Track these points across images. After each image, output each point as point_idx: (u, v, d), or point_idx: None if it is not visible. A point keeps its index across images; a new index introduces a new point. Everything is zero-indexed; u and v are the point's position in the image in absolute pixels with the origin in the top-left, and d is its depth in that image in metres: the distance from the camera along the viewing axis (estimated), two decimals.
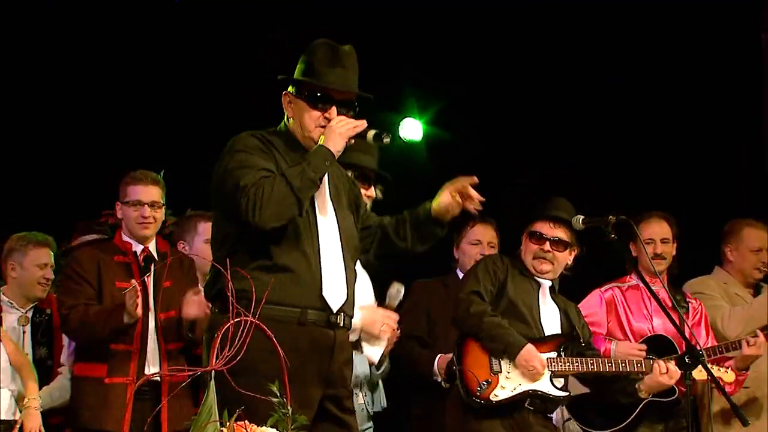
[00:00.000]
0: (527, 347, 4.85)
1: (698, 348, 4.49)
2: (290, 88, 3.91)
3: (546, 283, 5.10)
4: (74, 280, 4.93)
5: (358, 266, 4.12)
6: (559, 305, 5.13)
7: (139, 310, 4.69)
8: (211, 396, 2.78)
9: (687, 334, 4.70)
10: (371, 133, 3.87)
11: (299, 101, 3.88)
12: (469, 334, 4.95)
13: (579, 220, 4.90)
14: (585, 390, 5.32)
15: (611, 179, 7.19)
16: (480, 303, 4.93)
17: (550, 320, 5.07)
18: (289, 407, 2.85)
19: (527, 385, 4.87)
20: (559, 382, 4.96)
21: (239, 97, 6.98)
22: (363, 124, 3.84)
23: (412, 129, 7.77)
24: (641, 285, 5.55)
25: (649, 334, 5.55)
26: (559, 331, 5.06)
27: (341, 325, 3.83)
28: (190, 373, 2.89)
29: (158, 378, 4.84)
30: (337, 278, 3.82)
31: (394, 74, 7.17)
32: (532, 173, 7.31)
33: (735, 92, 6.86)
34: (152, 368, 4.87)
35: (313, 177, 3.70)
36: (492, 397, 4.82)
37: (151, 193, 5.06)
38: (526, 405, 4.88)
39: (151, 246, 5.08)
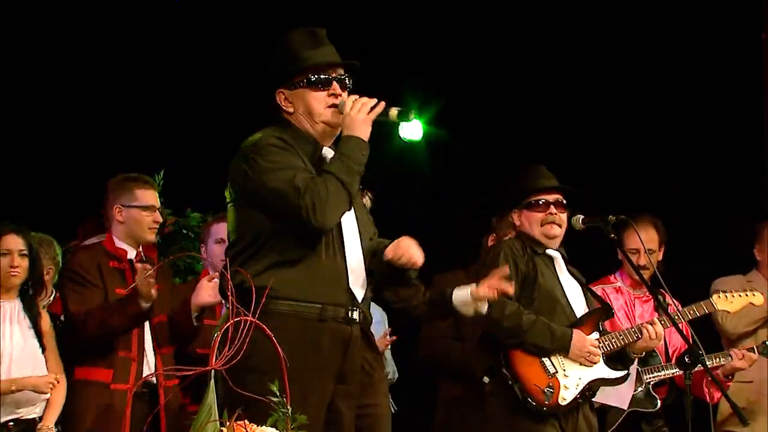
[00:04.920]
0: (576, 334, 4.70)
1: (699, 349, 4.49)
2: (281, 85, 3.86)
3: (557, 256, 4.94)
4: (82, 285, 4.86)
5: None
6: (574, 276, 4.99)
7: (154, 292, 4.64)
8: (211, 395, 2.78)
9: (687, 335, 4.72)
10: (394, 111, 3.78)
11: (298, 90, 3.84)
12: (508, 337, 4.71)
13: (579, 219, 4.89)
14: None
15: (611, 178, 7.19)
16: (511, 302, 4.69)
17: (575, 296, 4.92)
18: (288, 407, 2.84)
19: (587, 376, 4.72)
20: (612, 361, 4.82)
21: (239, 97, 6.97)
22: (381, 104, 3.78)
23: (411, 129, 7.78)
24: (624, 288, 5.72)
25: None
26: (585, 305, 4.92)
27: (358, 320, 3.80)
28: (191, 372, 2.89)
29: (155, 381, 4.81)
30: (360, 271, 3.81)
31: (394, 74, 7.17)
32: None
33: (735, 93, 6.86)
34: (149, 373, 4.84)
35: (358, 169, 3.70)
36: (561, 401, 4.66)
37: (156, 197, 5.06)
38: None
39: (140, 250, 5.03)
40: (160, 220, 5.03)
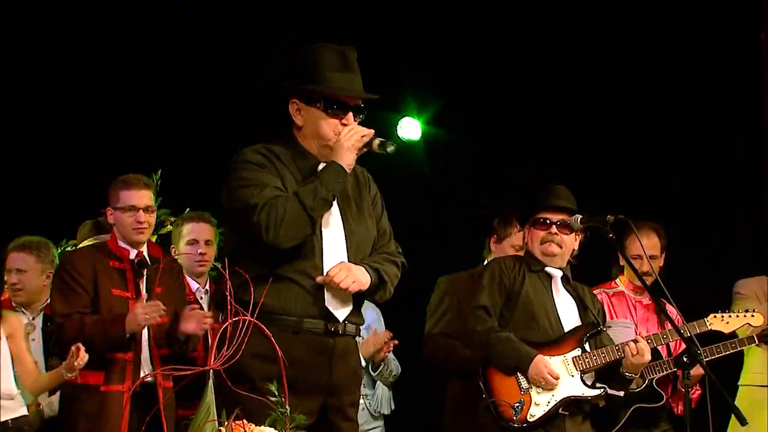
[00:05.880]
0: (536, 360, 4.72)
1: (697, 349, 4.49)
2: (297, 95, 3.84)
3: (557, 274, 4.96)
4: (69, 286, 4.84)
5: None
6: (573, 295, 5.00)
7: (145, 324, 4.67)
8: (210, 396, 2.78)
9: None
10: (376, 141, 3.80)
11: (312, 109, 3.83)
12: (477, 349, 4.84)
13: (577, 219, 4.90)
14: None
15: (611, 178, 7.19)
16: (486, 319, 4.80)
17: (568, 313, 4.94)
18: (287, 407, 2.84)
19: (560, 394, 4.74)
20: (591, 378, 4.82)
21: (239, 97, 6.97)
22: (370, 133, 3.79)
23: (410, 128, 7.78)
24: (626, 292, 5.71)
25: None
26: (578, 323, 4.93)
27: (342, 332, 3.80)
28: (188, 373, 2.89)
29: (151, 381, 4.78)
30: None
31: (393, 74, 7.17)
32: (531, 172, 7.32)
33: (735, 93, 6.86)
34: None
35: (325, 195, 3.69)
36: (529, 418, 4.68)
37: (144, 197, 4.99)
38: (560, 411, 4.74)
39: (144, 251, 5.01)
40: (143, 220, 4.93)
